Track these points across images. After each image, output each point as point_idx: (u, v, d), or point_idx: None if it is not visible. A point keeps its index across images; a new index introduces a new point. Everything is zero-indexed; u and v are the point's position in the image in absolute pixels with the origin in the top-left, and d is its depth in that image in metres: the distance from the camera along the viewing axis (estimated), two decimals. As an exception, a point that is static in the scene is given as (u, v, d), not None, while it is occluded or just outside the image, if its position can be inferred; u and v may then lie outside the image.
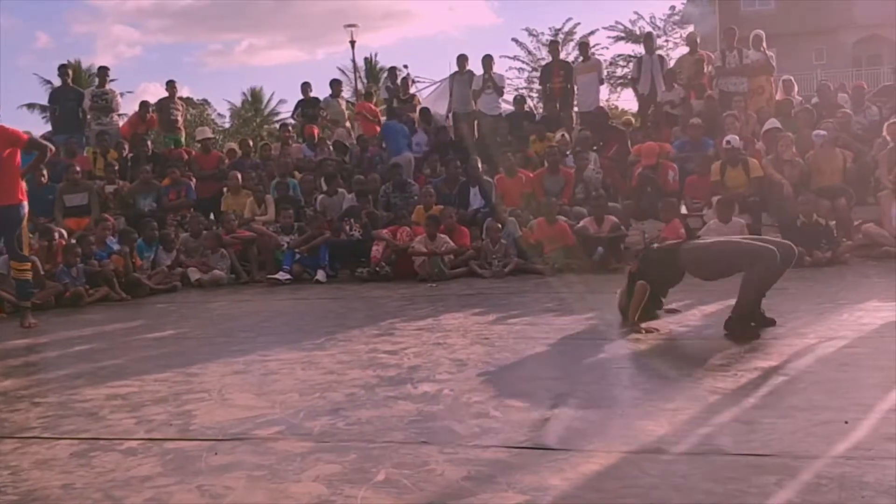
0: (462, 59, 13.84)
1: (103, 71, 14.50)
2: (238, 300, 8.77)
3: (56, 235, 9.54)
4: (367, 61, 40.36)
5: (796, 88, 13.14)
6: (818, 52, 33.04)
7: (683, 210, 10.17)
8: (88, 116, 13.73)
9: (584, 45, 15.71)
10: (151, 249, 10.22)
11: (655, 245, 6.25)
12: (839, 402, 3.54)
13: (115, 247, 9.74)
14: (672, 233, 8.98)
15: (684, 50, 14.29)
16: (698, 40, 14.41)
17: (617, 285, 5.99)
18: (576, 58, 16.09)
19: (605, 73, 16.69)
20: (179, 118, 14.36)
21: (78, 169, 11.58)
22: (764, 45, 12.69)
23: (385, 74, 18.14)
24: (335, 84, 15.20)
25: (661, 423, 3.38)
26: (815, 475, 2.70)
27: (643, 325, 5.49)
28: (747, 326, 5.24)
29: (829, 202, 9.32)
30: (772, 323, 5.33)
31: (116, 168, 12.49)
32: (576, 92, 13.66)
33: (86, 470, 3.19)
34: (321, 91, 15.03)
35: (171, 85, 14.27)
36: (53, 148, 8.20)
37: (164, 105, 14.09)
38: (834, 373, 4.07)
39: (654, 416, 3.48)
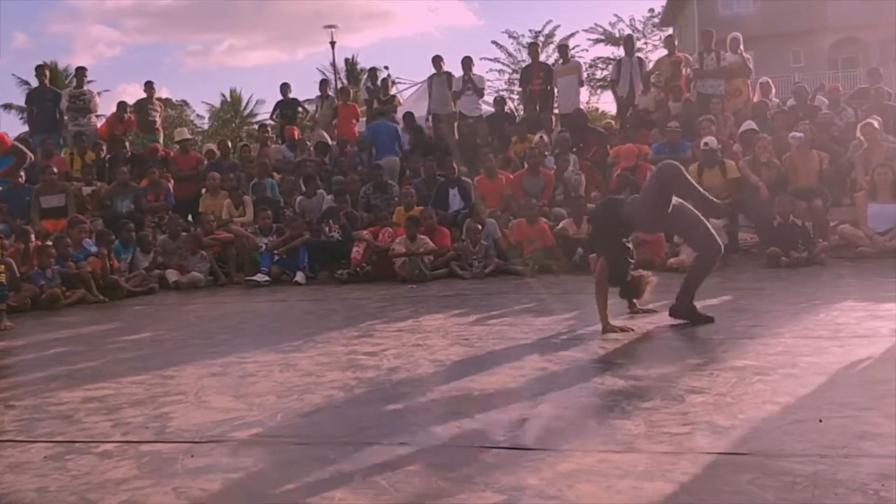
0: (437, 60, 13.86)
1: (81, 71, 14.43)
2: (216, 302, 8.73)
3: (32, 237, 9.47)
4: (348, 62, 40.37)
5: (773, 91, 13.25)
6: (795, 55, 33.37)
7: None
8: (66, 117, 13.65)
9: (563, 48, 15.83)
10: (128, 251, 10.16)
11: (599, 201, 6.49)
12: (814, 400, 3.57)
13: (93, 248, 9.67)
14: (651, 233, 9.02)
15: (663, 52, 14.35)
16: (677, 42, 14.51)
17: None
18: (556, 60, 16.18)
19: (584, 75, 16.76)
20: (158, 119, 14.29)
21: (55, 170, 11.49)
22: (741, 47, 12.78)
23: (365, 75, 18.10)
24: (323, 85, 15.21)
25: (638, 422, 3.39)
26: (790, 473, 2.71)
27: (617, 323, 5.58)
28: (695, 313, 5.56)
29: (805, 203, 9.40)
30: (710, 320, 5.58)
31: (94, 169, 12.42)
32: (556, 94, 13.72)
33: (60, 473, 3.16)
34: (301, 92, 15.04)
35: (149, 86, 14.21)
36: (32, 156, 8.10)
37: (142, 106, 14.02)
38: (809, 371, 4.10)
39: (631, 416, 3.49)
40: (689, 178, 5.74)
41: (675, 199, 5.59)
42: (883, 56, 31.40)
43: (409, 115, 13.66)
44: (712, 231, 5.75)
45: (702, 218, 5.74)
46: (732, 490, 2.62)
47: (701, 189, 5.88)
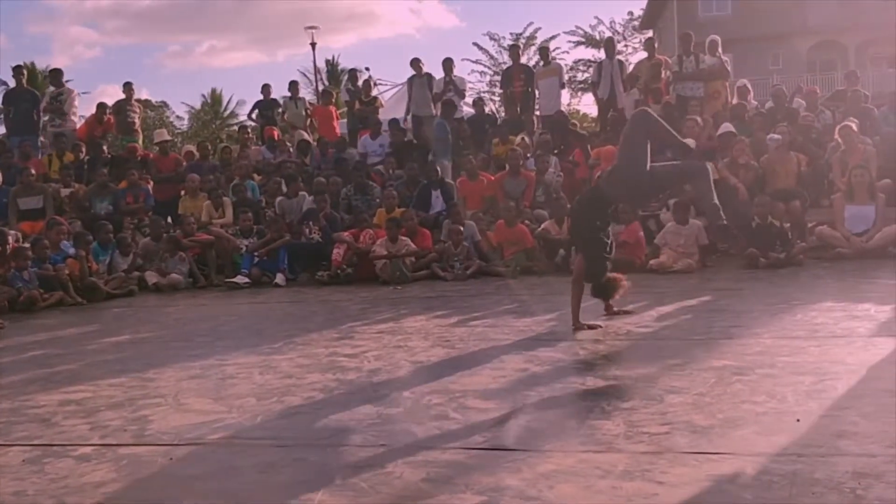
0: (416, 62, 13.83)
1: (57, 73, 14.29)
2: (196, 304, 8.68)
3: (10, 239, 9.38)
4: (329, 63, 40.34)
5: (751, 93, 13.32)
6: (774, 57, 33.59)
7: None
8: (45, 118, 13.53)
9: (544, 50, 15.84)
10: (107, 253, 10.08)
11: (578, 197, 6.45)
12: (792, 400, 3.60)
13: (70, 250, 9.58)
14: (631, 234, 9.08)
15: (643, 54, 14.40)
16: (656, 45, 14.57)
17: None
18: (536, 62, 16.21)
19: (566, 77, 16.77)
20: (136, 120, 14.19)
21: (33, 172, 11.39)
22: (720, 50, 12.85)
23: (345, 77, 18.08)
24: (293, 86, 15.14)
25: (618, 422, 3.41)
26: (768, 472, 2.74)
27: (588, 323, 5.67)
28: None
29: (783, 204, 9.47)
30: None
31: (72, 171, 12.31)
32: (537, 96, 13.74)
33: (38, 476, 3.14)
34: (282, 93, 15.01)
35: (127, 87, 14.10)
36: None
37: (121, 107, 13.91)
38: (787, 372, 4.14)
39: (611, 416, 3.51)
40: (661, 121, 5.78)
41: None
42: (860, 59, 31.73)
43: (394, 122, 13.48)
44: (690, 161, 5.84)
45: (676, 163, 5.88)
46: (711, 489, 2.64)
47: (675, 133, 5.90)
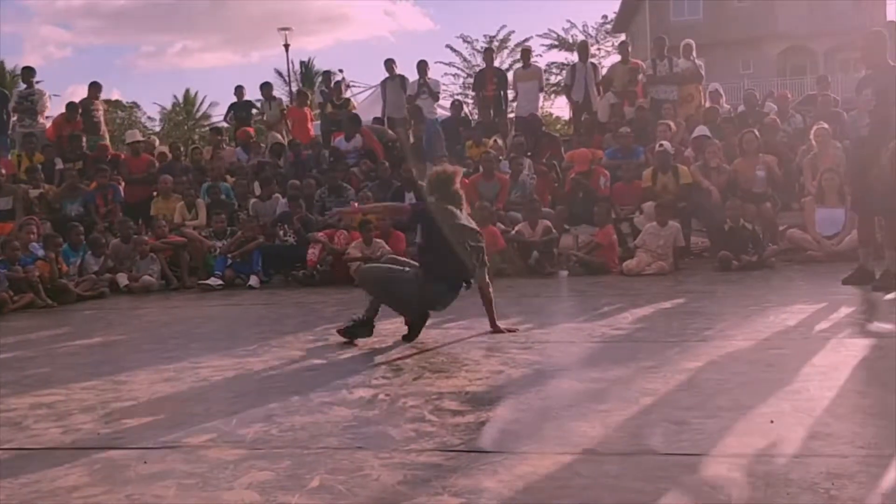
0: (389, 63, 13.81)
1: (28, 72, 14.11)
2: (168, 306, 8.61)
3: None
4: (303, 65, 40.19)
5: (724, 98, 13.44)
6: (745, 62, 33.93)
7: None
8: (14, 118, 13.35)
9: (526, 53, 15.67)
10: (78, 255, 9.96)
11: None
12: (765, 401, 3.63)
13: (40, 252, 9.45)
14: (605, 237, 9.13)
15: (616, 58, 14.47)
16: (630, 49, 14.65)
17: (550, 289, 6.01)
18: (511, 64, 16.15)
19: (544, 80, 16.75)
20: (101, 118, 14.01)
21: (3, 172, 11.24)
22: (693, 54, 12.96)
23: (319, 78, 18.03)
24: (267, 87, 15.08)
25: (594, 424, 3.42)
26: (742, 473, 2.76)
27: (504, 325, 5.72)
28: None
29: (755, 207, 9.56)
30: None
31: (41, 172, 12.15)
32: (511, 98, 13.77)
33: (9, 481, 3.09)
34: (255, 95, 14.93)
35: (93, 87, 13.92)
36: None
37: (85, 107, 13.73)
38: (760, 373, 4.17)
39: (587, 418, 3.52)
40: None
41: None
42: (829, 64, 32.13)
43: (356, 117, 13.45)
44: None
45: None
46: (687, 489, 2.65)
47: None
